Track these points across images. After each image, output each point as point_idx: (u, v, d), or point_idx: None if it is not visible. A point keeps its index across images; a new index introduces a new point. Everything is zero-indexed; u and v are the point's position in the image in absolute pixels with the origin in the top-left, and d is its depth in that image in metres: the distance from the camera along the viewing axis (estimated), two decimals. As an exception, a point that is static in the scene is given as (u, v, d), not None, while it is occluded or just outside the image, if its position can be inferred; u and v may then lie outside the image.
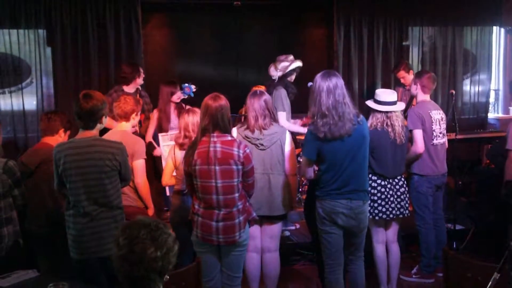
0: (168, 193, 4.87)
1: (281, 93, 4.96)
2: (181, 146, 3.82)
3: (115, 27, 6.14)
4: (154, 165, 5.26)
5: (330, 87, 3.32)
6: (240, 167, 3.23)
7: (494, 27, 7.41)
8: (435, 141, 4.46)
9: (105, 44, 6.13)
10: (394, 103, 3.98)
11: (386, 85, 6.80)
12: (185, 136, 3.82)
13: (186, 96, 5.42)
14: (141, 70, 5.43)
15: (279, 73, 4.97)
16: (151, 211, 3.99)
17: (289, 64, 5.00)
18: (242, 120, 3.93)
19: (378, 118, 3.95)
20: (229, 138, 3.26)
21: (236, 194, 3.26)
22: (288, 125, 4.99)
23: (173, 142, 4.02)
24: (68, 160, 3.16)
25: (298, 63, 5.04)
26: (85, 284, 3.22)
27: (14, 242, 3.59)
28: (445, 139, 4.58)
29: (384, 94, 4.00)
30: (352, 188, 3.39)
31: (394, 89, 6.19)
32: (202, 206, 3.26)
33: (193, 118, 3.81)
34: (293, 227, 5.39)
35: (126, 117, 3.92)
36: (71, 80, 6.08)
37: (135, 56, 6.15)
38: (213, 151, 3.18)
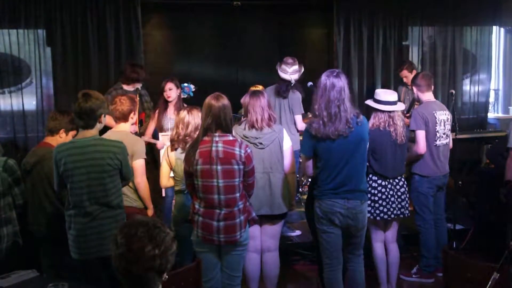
0: (164, 194, 4.85)
1: (299, 96, 5.02)
2: (172, 145, 3.81)
3: (115, 27, 6.14)
4: (155, 165, 5.24)
5: (326, 86, 3.33)
6: (241, 166, 3.23)
7: (494, 27, 7.41)
8: (437, 142, 4.45)
9: (105, 44, 6.13)
10: (395, 103, 3.98)
11: (386, 85, 6.80)
12: (176, 132, 3.79)
13: (185, 96, 5.42)
14: (144, 74, 5.43)
15: (294, 76, 4.98)
16: (150, 212, 3.99)
17: (299, 67, 5.04)
18: (242, 119, 3.92)
19: (381, 118, 3.95)
20: (231, 137, 3.26)
21: (238, 194, 3.26)
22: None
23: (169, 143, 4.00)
24: (70, 161, 3.17)
25: (302, 65, 5.09)
26: (85, 284, 3.22)
27: (13, 242, 3.60)
28: (448, 140, 4.58)
29: (385, 94, 4.00)
30: (349, 188, 3.39)
31: (396, 89, 6.22)
32: (203, 206, 3.25)
33: (186, 117, 3.78)
34: (295, 233, 5.37)
35: (124, 118, 3.92)
36: (71, 80, 6.08)
37: (135, 56, 6.15)
38: (215, 151, 3.18)
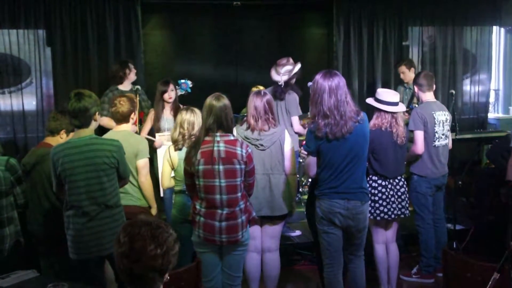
0: (162, 194, 4.84)
1: (296, 97, 4.96)
2: (175, 145, 3.81)
3: (115, 27, 6.14)
4: (151, 164, 5.23)
5: (332, 87, 3.30)
6: (243, 166, 3.23)
7: (494, 27, 7.41)
8: (436, 143, 4.45)
9: (105, 44, 6.13)
10: (397, 103, 3.99)
11: (386, 85, 6.80)
12: (179, 132, 3.80)
13: (183, 92, 5.41)
14: (131, 66, 5.42)
15: (285, 77, 4.93)
16: (154, 210, 4.02)
17: (293, 67, 4.97)
18: (243, 120, 3.92)
19: (385, 118, 3.94)
20: (232, 137, 3.27)
21: (239, 194, 3.26)
22: (302, 130, 4.99)
23: (169, 143, 3.99)
24: (67, 161, 3.17)
25: (299, 65, 5.03)
26: (85, 284, 3.22)
27: (16, 241, 3.60)
28: (448, 141, 4.57)
29: (388, 94, 4.00)
30: (350, 187, 3.38)
31: (395, 89, 6.22)
32: (204, 206, 3.25)
33: (191, 117, 3.79)
34: (295, 233, 5.36)
35: (125, 119, 3.93)
36: (71, 80, 6.08)
37: (135, 56, 6.15)
38: (217, 151, 3.19)
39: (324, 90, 3.31)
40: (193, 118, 3.78)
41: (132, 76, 5.42)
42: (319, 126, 3.31)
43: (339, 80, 3.32)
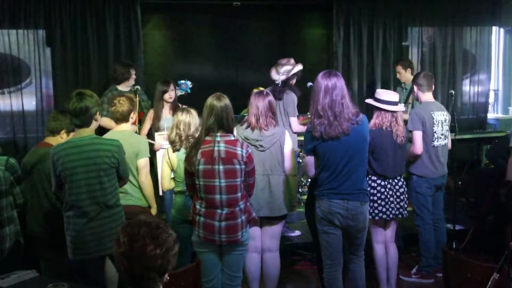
0: (160, 193, 4.84)
1: (294, 97, 4.98)
2: (173, 146, 3.81)
3: (115, 27, 6.14)
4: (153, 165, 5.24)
5: (328, 86, 3.31)
6: (243, 166, 3.24)
7: (494, 27, 7.42)
8: (435, 143, 4.45)
9: (104, 44, 6.13)
10: (397, 103, 4.00)
11: (385, 85, 6.81)
12: (176, 133, 3.81)
13: (183, 93, 5.41)
14: (133, 72, 5.42)
15: (283, 77, 4.94)
16: (154, 210, 4.02)
17: (292, 67, 4.98)
18: (243, 120, 3.92)
19: (386, 117, 3.95)
20: (232, 138, 3.27)
21: (239, 194, 3.27)
22: (300, 128, 4.99)
23: (167, 142, 4.00)
24: (67, 160, 3.18)
25: (300, 66, 5.04)
26: (85, 284, 3.22)
27: (15, 241, 3.60)
28: (447, 141, 4.57)
29: (388, 94, 4.01)
30: (349, 188, 3.38)
31: (395, 89, 6.23)
32: (204, 206, 3.26)
33: (187, 117, 3.81)
34: (295, 234, 5.36)
35: (125, 118, 3.93)
36: (71, 80, 6.08)
37: (134, 56, 6.15)
38: (217, 151, 3.19)
39: (320, 89, 3.33)
40: (189, 119, 3.80)
41: (131, 81, 5.42)
42: (314, 125, 3.34)
43: (336, 81, 3.33)
